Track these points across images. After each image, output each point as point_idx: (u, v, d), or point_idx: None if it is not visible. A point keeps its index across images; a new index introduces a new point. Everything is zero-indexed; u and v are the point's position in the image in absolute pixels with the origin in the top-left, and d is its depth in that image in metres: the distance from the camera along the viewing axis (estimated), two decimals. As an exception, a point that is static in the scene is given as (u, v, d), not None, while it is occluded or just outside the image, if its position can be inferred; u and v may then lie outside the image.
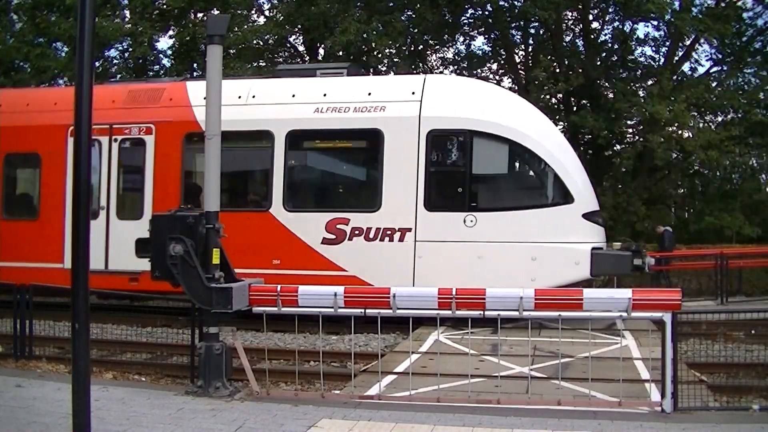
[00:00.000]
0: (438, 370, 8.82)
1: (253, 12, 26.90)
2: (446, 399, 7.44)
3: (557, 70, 22.61)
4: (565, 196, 12.25)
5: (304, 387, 8.85)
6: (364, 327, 13.00)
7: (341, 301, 7.51)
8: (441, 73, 26.15)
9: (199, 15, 25.82)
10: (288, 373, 9.53)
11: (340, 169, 14.11)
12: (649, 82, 22.08)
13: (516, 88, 24.05)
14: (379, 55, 23.82)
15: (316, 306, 7.71)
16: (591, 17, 23.83)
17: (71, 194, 4.66)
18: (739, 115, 21.89)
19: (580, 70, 21.92)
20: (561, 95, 23.51)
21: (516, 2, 22.62)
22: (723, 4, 22.01)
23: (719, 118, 23.13)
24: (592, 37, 23.78)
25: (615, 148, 24.12)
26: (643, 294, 7.30)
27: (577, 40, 24.43)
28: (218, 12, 23.56)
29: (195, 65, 26.39)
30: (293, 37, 27.25)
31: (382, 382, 8.22)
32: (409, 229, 12.38)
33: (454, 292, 7.40)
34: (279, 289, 7.68)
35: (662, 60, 23.11)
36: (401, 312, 7.57)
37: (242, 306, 7.55)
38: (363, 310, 7.59)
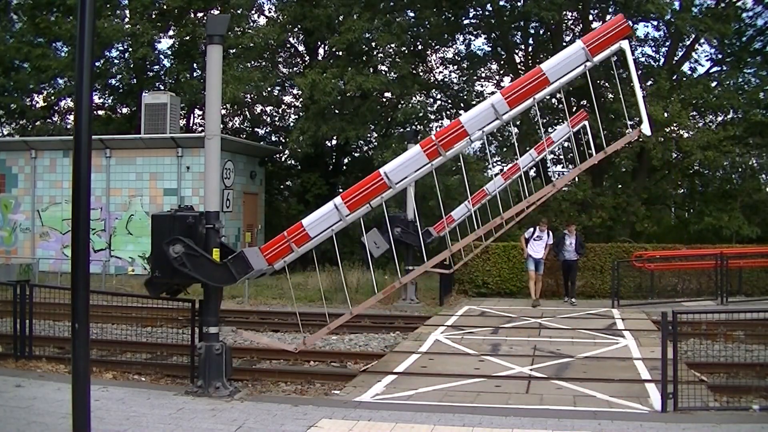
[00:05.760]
0: (438, 370, 8.84)
1: (253, 12, 26.91)
2: (446, 399, 7.45)
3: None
4: None
5: (304, 387, 8.85)
6: (363, 327, 13.10)
7: (345, 210, 7.79)
8: (440, 72, 26.19)
9: (199, 15, 25.84)
10: (288, 373, 9.55)
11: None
12: (649, 83, 22.07)
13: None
14: (380, 55, 23.84)
15: (326, 228, 7.92)
16: (591, 17, 23.82)
17: (71, 195, 4.64)
18: (739, 115, 21.86)
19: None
20: (561, 95, 23.49)
21: (517, 2, 22.61)
22: (723, 4, 21.99)
23: (719, 118, 23.11)
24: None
25: (615, 148, 24.08)
26: (593, 36, 7.82)
27: (577, 41, 24.41)
28: (218, 12, 23.61)
29: (195, 65, 26.41)
30: (294, 38, 27.29)
31: (382, 382, 8.24)
32: None
33: (434, 138, 7.93)
34: (286, 233, 7.84)
35: (662, 60, 23.10)
36: (401, 185, 7.96)
37: (263, 266, 7.60)
38: (368, 204, 7.94)
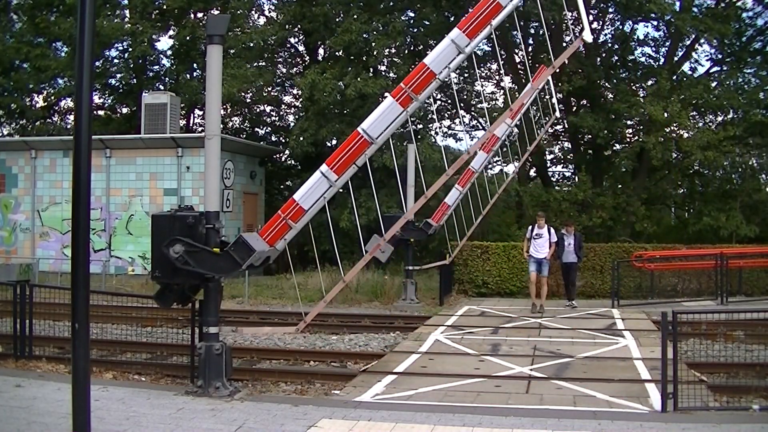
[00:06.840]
0: (438, 370, 8.85)
1: (252, 11, 26.92)
2: (446, 399, 7.45)
3: (557, 71, 22.60)
4: None
5: (304, 387, 8.85)
6: (363, 327, 13.10)
7: (332, 176, 8.07)
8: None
9: (200, 15, 25.84)
10: (288, 373, 9.55)
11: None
12: (649, 83, 22.08)
13: (516, 87, 24.06)
14: (379, 56, 23.84)
15: (319, 198, 8.13)
16: (591, 17, 23.82)
17: (72, 195, 4.64)
18: (739, 115, 21.88)
19: (580, 71, 21.91)
20: (561, 95, 23.50)
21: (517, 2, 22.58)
22: (723, 4, 22.01)
23: (719, 118, 23.12)
24: (592, 37, 23.80)
25: (615, 148, 24.10)
26: None
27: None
28: (218, 12, 23.61)
29: (195, 65, 26.41)
30: (294, 38, 27.30)
31: (382, 382, 8.24)
32: None
33: (404, 85, 8.35)
34: (280, 211, 7.99)
35: (662, 60, 23.11)
36: (381, 138, 8.28)
37: (264, 248, 7.61)
38: (354, 165, 8.30)
